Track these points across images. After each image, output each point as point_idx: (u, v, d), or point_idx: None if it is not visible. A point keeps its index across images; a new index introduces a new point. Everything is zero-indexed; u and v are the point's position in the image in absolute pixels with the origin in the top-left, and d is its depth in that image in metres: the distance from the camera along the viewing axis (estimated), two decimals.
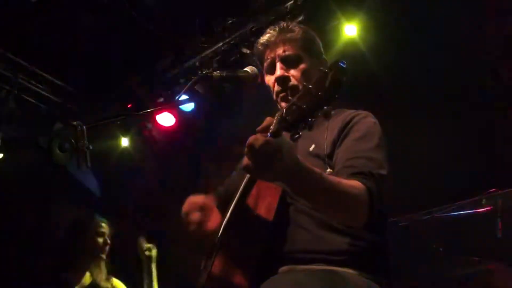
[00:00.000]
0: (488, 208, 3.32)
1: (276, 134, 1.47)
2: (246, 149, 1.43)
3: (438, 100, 4.40)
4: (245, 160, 1.46)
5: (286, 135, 1.47)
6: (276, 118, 1.51)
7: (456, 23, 4.03)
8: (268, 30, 2.14)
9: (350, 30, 4.47)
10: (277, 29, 2.11)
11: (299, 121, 1.44)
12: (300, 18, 4.67)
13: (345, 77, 1.40)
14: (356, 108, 2.06)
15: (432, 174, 4.36)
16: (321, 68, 1.42)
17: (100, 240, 3.58)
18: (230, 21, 4.99)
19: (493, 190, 3.35)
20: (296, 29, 2.10)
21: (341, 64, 1.42)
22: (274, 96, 2.09)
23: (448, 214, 3.47)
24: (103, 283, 3.56)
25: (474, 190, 3.47)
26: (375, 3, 4.32)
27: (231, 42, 5.08)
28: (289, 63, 2.06)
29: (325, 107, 1.42)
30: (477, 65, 4.17)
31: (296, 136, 1.46)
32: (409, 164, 4.29)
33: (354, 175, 1.71)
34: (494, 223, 3.28)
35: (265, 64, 2.13)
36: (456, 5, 3.99)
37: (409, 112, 4.46)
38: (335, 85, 1.40)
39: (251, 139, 1.42)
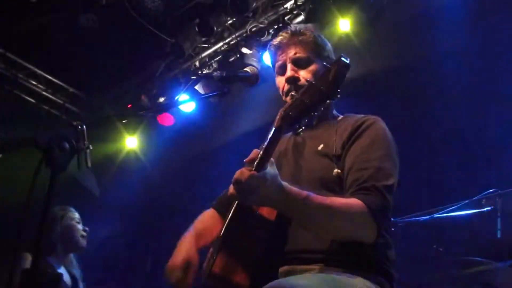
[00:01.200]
0: (488, 208, 3.32)
1: (279, 130, 1.54)
2: (232, 182, 1.57)
3: (438, 98, 4.40)
4: (231, 190, 1.60)
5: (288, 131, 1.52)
6: (279, 114, 1.55)
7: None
8: (280, 33, 2.19)
9: (344, 25, 4.46)
10: (289, 32, 2.16)
11: (302, 116, 1.50)
12: (301, 18, 4.68)
13: (347, 72, 1.47)
14: (352, 103, 2.08)
15: (433, 174, 4.36)
16: (325, 64, 1.47)
17: (80, 227, 3.60)
18: (230, 21, 5.00)
19: (493, 190, 3.35)
20: (308, 33, 2.14)
21: (344, 60, 1.48)
22: (284, 96, 2.11)
23: (448, 214, 3.47)
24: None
25: (474, 190, 3.47)
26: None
27: (231, 42, 5.09)
28: (299, 64, 2.07)
29: (328, 101, 1.48)
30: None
31: (300, 130, 1.51)
32: (409, 164, 4.29)
33: (357, 191, 1.74)
34: (494, 223, 3.28)
35: (276, 65, 2.16)
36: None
37: (406, 108, 4.46)
38: (338, 80, 1.46)
39: (237, 173, 1.56)
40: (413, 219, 3.59)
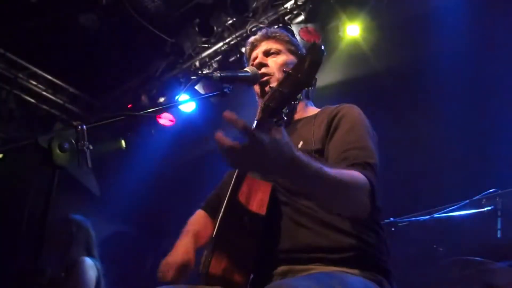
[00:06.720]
0: (488, 208, 3.32)
1: (261, 122, 1.51)
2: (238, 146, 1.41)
3: (440, 100, 4.40)
4: (236, 156, 1.43)
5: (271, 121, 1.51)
6: (259, 107, 1.55)
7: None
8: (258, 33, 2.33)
9: (352, 30, 4.47)
10: (263, 31, 2.30)
11: (281, 105, 1.50)
12: (301, 19, 4.67)
13: (322, 58, 1.48)
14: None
15: (433, 174, 4.36)
16: (299, 52, 1.49)
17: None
18: (230, 21, 5.00)
19: (493, 190, 3.35)
20: (280, 33, 2.27)
21: (317, 47, 1.50)
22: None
23: (448, 214, 3.47)
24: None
25: (474, 190, 3.47)
26: (378, 3, 4.32)
27: (231, 42, 5.09)
28: (269, 54, 2.20)
29: (306, 89, 1.50)
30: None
31: (280, 121, 1.51)
32: (410, 164, 4.29)
33: (352, 166, 1.73)
34: (494, 223, 3.28)
35: (250, 60, 2.27)
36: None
37: (411, 111, 4.46)
38: (314, 66, 1.48)
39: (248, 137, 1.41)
40: (413, 219, 3.59)
